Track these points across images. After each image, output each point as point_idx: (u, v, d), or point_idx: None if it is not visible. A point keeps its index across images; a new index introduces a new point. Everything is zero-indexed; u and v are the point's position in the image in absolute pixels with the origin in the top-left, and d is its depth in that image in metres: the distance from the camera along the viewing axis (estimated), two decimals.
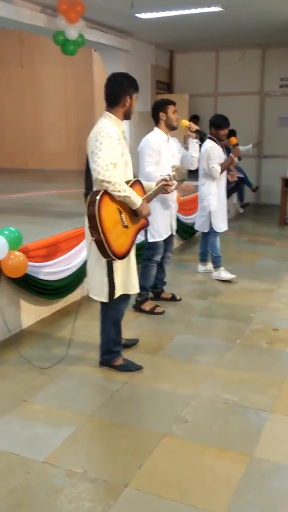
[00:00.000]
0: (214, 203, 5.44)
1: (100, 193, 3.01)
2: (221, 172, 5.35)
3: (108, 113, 3.24)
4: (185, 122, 4.51)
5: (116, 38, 8.56)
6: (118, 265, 3.26)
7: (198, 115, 10.68)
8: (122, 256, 3.18)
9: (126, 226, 3.19)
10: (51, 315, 4.44)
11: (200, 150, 4.84)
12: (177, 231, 6.87)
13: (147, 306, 4.52)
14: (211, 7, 7.24)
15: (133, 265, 3.42)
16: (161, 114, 4.33)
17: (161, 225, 4.40)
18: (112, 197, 3.07)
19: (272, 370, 3.50)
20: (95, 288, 3.31)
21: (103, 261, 3.19)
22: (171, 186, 3.72)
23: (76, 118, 11.36)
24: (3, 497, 2.28)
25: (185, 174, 9.31)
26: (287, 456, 2.57)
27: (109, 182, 2.98)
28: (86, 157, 3.18)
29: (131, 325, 4.21)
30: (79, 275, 4.47)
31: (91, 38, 7.69)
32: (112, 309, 3.39)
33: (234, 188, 9.07)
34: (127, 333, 3.85)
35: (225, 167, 5.39)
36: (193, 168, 4.67)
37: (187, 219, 7.04)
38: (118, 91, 3.22)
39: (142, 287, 4.45)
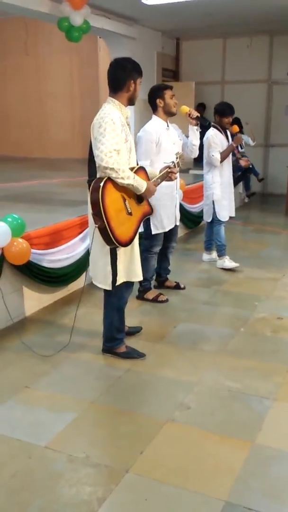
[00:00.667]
0: (217, 192, 5.39)
1: (104, 180, 2.98)
2: (222, 161, 5.27)
3: (112, 98, 3.20)
4: (185, 109, 4.35)
5: (121, 25, 8.47)
6: (121, 252, 3.23)
7: (204, 103, 10.60)
8: (125, 243, 3.16)
9: (130, 213, 3.16)
10: (54, 303, 4.43)
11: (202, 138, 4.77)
12: (181, 220, 6.86)
13: (150, 295, 4.50)
14: None
15: (137, 252, 3.39)
16: (158, 101, 4.20)
17: (165, 217, 4.32)
18: (115, 184, 3.03)
19: (276, 358, 3.48)
20: (99, 275, 3.29)
21: (107, 248, 3.17)
22: (175, 173, 3.68)
23: (81, 106, 11.29)
24: (4, 482, 2.29)
25: (190, 163, 9.29)
26: None
27: (112, 169, 2.95)
28: (90, 144, 3.15)
29: (135, 313, 4.20)
30: (83, 263, 4.46)
31: (96, 24, 7.61)
32: (115, 297, 3.37)
33: (240, 177, 9.00)
34: (130, 321, 3.83)
35: (226, 155, 5.29)
36: (193, 156, 4.53)
37: (192, 208, 7.01)
38: (122, 76, 3.18)
39: (143, 278, 4.41)
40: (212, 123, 5.36)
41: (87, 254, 4.19)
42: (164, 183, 3.69)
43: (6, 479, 2.30)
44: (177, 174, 4.14)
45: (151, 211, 3.42)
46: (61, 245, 4.38)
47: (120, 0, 7.46)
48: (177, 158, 3.82)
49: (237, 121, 8.62)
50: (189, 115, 4.34)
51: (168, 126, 4.29)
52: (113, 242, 3.07)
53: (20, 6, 6.40)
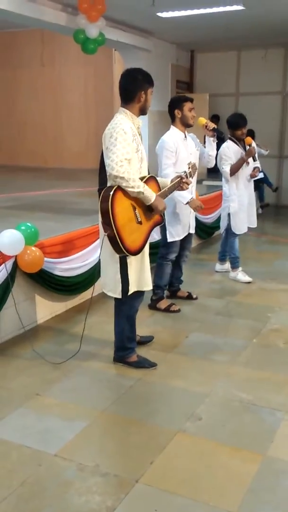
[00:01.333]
0: (234, 205, 5.30)
1: (114, 189, 3.00)
2: (233, 174, 5.19)
3: (123, 109, 3.22)
4: (203, 120, 4.45)
5: (137, 37, 8.55)
6: (131, 261, 3.24)
7: (218, 114, 10.62)
8: (135, 252, 3.16)
9: (140, 222, 3.17)
10: (66, 311, 4.45)
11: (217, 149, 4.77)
12: (195, 230, 6.87)
13: (163, 304, 4.49)
14: (232, 5, 7.19)
15: (147, 262, 3.40)
16: (176, 111, 4.27)
17: (180, 225, 4.38)
18: (126, 193, 3.05)
19: None
20: (109, 283, 3.30)
21: (116, 256, 3.18)
22: (188, 183, 3.69)
23: (95, 118, 11.39)
24: (14, 489, 2.28)
25: (204, 174, 9.30)
26: None
27: (122, 178, 2.96)
28: (101, 154, 3.17)
29: (147, 322, 4.19)
30: (95, 272, 4.46)
31: (112, 37, 7.70)
32: (126, 305, 3.37)
33: (254, 188, 8.97)
34: (142, 330, 3.83)
35: (236, 168, 5.19)
36: (210, 166, 4.64)
37: (205, 218, 7.00)
38: (133, 86, 3.20)
39: (157, 286, 4.44)
40: (229, 135, 5.31)
41: (99, 263, 4.20)
42: (181, 191, 3.72)
43: (15, 486, 2.30)
44: (193, 183, 4.17)
45: (161, 220, 3.42)
46: (74, 254, 4.40)
47: (135, 13, 7.54)
48: (189, 168, 3.83)
49: (251, 133, 8.62)
50: (206, 126, 4.42)
51: (185, 136, 4.34)
52: (122, 251, 3.07)
53: (37, 19, 6.50)
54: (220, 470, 2.42)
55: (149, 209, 3.24)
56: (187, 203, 4.22)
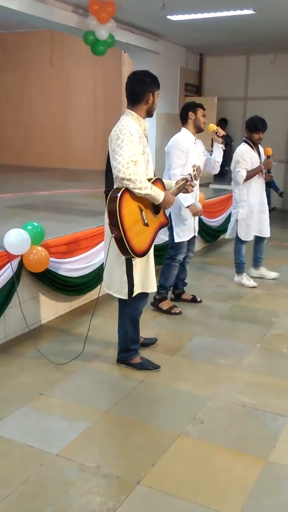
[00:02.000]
0: (243, 211, 5.24)
1: (121, 190, 3.00)
2: (246, 180, 5.13)
3: (130, 111, 3.23)
4: (213, 127, 4.52)
5: (146, 40, 8.57)
6: (137, 263, 3.24)
7: (226, 118, 10.63)
8: (141, 254, 3.17)
9: (146, 224, 3.17)
10: (71, 311, 4.45)
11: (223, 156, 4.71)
12: (200, 233, 6.86)
13: (165, 305, 4.51)
14: (243, 10, 7.20)
15: (152, 264, 3.40)
16: (190, 113, 4.35)
17: (187, 226, 4.42)
18: (133, 195, 3.05)
19: None
20: (114, 285, 3.30)
21: (123, 258, 3.19)
22: (192, 185, 3.69)
23: (103, 119, 11.41)
24: (15, 488, 2.29)
25: (210, 178, 9.30)
26: None
27: (129, 179, 2.96)
28: (107, 156, 3.18)
29: (151, 325, 4.19)
30: (100, 273, 4.47)
31: (121, 39, 7.72)
32: (130, 307, 3.38)
33: None
34: (146, 332, 3.83)
35: (251, 175, 5.13)
36: (214, 172, 4.66)
37: (211, 222, 7.00)
38: (140, 89, 3.21)
39: (161, 286, 4.46)
40: (244, 138, 5.26)
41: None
42: (185, 195, 3.74)
43: (17, 485, 2.30)
44: (197, 187, 4.18)
45: (167, 222, 3.43)
46: (79, 254, 4.41)
47: (145, 15, 7.56)
48: (194, 170, 3.84)
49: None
50: (216, 133, 4.47)
51: (195, 140, 4.39)
52: (129, 253, 3.08)
53: (47, 20, 6.53)
54: (222, 474, 2.42)
55: (155, 211, 3.25)
56: (188, 206, 4.26)
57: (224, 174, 10.86)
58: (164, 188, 3.37)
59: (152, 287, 3.42)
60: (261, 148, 5.32)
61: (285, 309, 4.70)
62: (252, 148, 5.19)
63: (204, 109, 4.42)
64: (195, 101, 4.52)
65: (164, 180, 3.47)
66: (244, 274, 5.40)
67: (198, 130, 4.41)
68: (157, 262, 3.67)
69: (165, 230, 4.14)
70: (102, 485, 2.32)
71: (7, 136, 12.66)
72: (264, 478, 2.39)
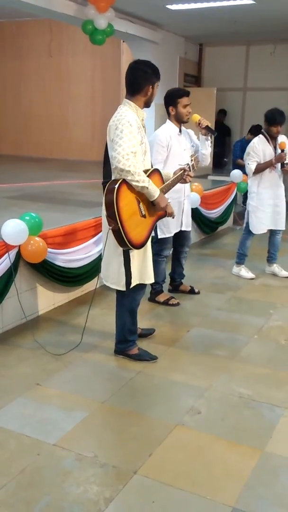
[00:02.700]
0: (252, 203, 5.18)
1: (119, 182, 2.98)
2: (256, 173, 5.04)
3: (128, 100, 3.20)
4: (196, 117, 4.22)
5: (145, 29, 8.51)
6: (134, 254, 3.23)
7: (225, 109, 10.58)
8: (139, 246, 3.16)
9: (144, 216, 3.16)
10: (68, 302, 4.45)
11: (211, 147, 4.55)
12: (198, 225, 6.82)
13: (162, 297, 4.50)
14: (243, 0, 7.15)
15: (149, 255, 3.40)
16: (170, 108, 4.17)
17: (171, 221, 4.25)
18: (130, 187, 3.03)
19: None
20: (112, 276, 3.30)
21: (120, 249, 3.17)
22: (190, 176, 3.67)
23: (102, 109, 11.35)
24: (12, 477, 2.29)
25: (209, 169, 9.27)
26: None
27: (128, 171, 2.94)
28: (105, 146, 3.16)
29: (148, 316, 4.20)
30: (98, 264, 4.46)
31: (120, 28, 7.66)
32: (128, 298, 3.38)
33: None
34: (143, 323, 3.83)
35: (261, 169, 5.03)
36: (205, 164, 4.41)
37: (209, 213, 6.98)
38: (141, 79, 3.17)
39: (154, 282, 4.40)
40: (262, 130, 5.15)
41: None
42: (174, 187, 3.66)
43: (14, 474, 2.31)
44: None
45: (165, 214, 3.41)
46: (77, 245, 4.39)
47: (144, 5, 7.50)
48: (191, 160, 3.79)
49: (259, 129, 8.57)
50: (199, 124, 4.20)
51: (180, 132, 4.26)
52: (126, 244, 3.07)
53: (45, 8, 6.48)
54: (218, 464, 2.43)
55: (153, 203, 3.23)
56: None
57: (223, 166, 10.85)
58: (161, 179, 3.35)
59: (149, 278, 3.42)
60: (284, 139, 5.11)
61: (283, 300, 4.70)
62: (268, 141, 5.05)
63: (187, 95, 4.14)
64: (175, 90, 4.27)
65: (162, 171, 3.46)
66: (243, 266, 5.39)
67: (182, 122, 4.23)
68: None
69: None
70: (99, 474, 2.33)
71: (5, 126, 12.58)
72: (261, 468, 2.40)
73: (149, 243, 3.34)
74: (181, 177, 3.54)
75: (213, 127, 4.43)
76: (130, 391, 3.07)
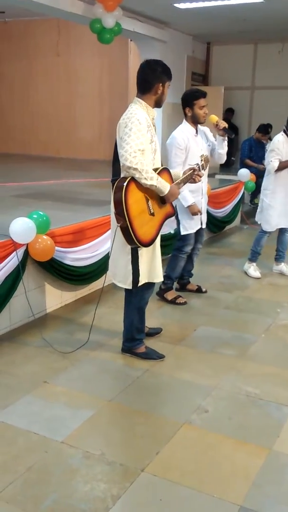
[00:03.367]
0: (266, 200, 5.18)
1: (127, 180, 2.99)
2: (279, 171, 5.02)
3: (138, 99, 3.20)
4: (214, 118, 4.25)
5: (153, 28, 8.51)
6: (143, 252, 3.24)
7: (233, 108, 10.56)
8: (147, 244, 3.16)
9: (152, 214, 3.16)
10: (76, 301, 4.46)
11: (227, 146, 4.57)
12: (206, 224, 6.82)
13: (170, 295, 4.50)
14: None
15: (158, 253, 3.39)
16: (187, 110, 4.19)
17: (193, 218, 4.37)
18: (139, 184, 3.04)
19: None
20: (119, 274, 3.30)
21: (128, 247, 3.18)
22: (200, 176, 3.67)
23: (109, 108, 11.36)
24: (20, 474, 2.31)
25: (217, 168, 9.25)
26: None
27: (136, 169, 2.94)
28: (115, 144, 3.16)
29: (156, 314, 4.20)
30: (105, 262, 4.47)
31: (128, 27, 7.66)
32: (136, 297, 3.38)
33: None
34: (151, 322, 3.83)
35: (283, 166, 5.01)
36: (221, 162, 4.49)
37: (217, 212, 6.97)
38: (151, 78, 3.18)
39: (167, 276, 4.45)
40: (284, 128, 5.12)
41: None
42: (192, 186, 3.67)
43: (22, 471, 2.32)
44: (204, 178, 4.13)
45: (173, 212, 3.42)
46: (85, 244, 4.40)
47: (152, 4, 7.49)
48: (201, 160, 3.80)
49: (270, 127, 8.54)
50: (217, 125, 4.23)
51: (196, 133, 4.27)
52: (134, 242, 3.07)
53: (53, 7, 6.49)
54: (225, 463, 2.43)
55: (162, 201, 3.23)
56: (188, 207, 4.22)
57: (230, 165, 10.82)
58: (171, 178, 3.35)
59: (158, 277, 3.41)
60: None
61: None
62: None
63: (204, 97, 4.16)
64: (193, 90, 4.29)
65: (171, 170, 3.45)
66: (254, 264, 5.38)
67: (198, 123, 4.25)
68: (164, 253, 3.67)
69: (170, 221, 4.09)
70: (106, 472, 2.33)
71: (13, 126, 12.62)
72: (268, 467, 2.40)
73: (158, 242, 3.34)
74: (190, 177, 3.54)
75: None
76: (137, 390, 3.08)
